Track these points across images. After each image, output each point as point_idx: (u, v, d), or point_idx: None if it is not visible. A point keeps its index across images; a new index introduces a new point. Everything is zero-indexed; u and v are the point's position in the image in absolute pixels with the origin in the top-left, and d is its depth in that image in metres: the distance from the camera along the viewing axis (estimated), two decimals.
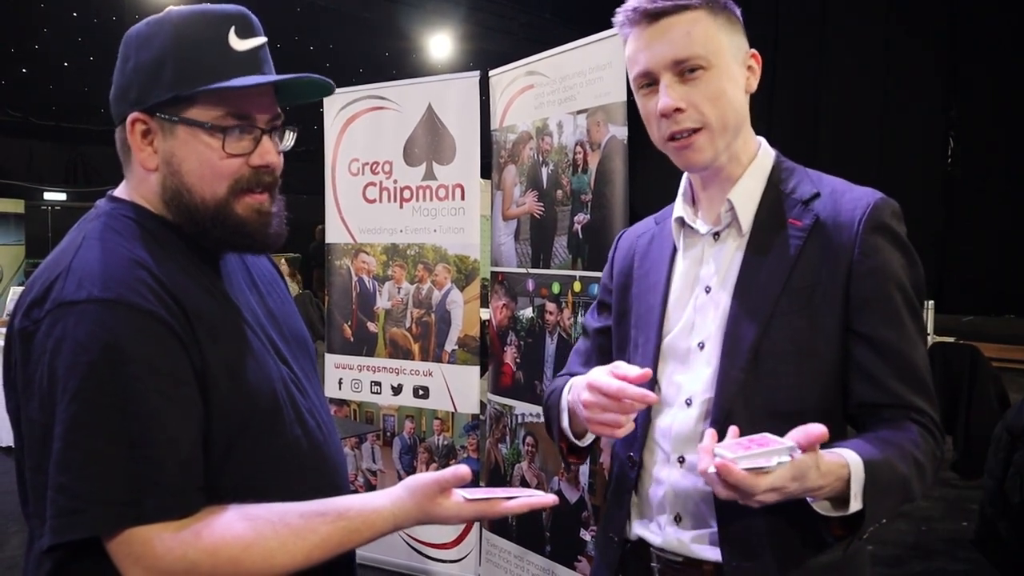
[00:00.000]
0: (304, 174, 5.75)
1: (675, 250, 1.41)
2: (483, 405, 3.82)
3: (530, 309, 3.40)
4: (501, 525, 3.54)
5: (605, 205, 3.03)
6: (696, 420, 1.30)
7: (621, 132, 2.95)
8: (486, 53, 12.13)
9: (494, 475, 3.58)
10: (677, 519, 1.32)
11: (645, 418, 1.38)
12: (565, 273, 3.21)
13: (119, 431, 1.03)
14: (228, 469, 1.13)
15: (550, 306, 3.29)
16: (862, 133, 12.19)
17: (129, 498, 1.02)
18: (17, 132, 13.38)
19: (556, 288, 3.26)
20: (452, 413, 3.77)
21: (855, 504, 1.10)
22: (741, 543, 1.24)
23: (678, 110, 1.25)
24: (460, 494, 1.18)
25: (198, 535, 1.05)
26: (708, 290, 1.33)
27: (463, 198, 3.72)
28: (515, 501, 1.19)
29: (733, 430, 1.12)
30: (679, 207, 1.40)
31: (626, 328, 1.46)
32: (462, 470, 1.18)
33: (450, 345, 3.77)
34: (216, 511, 1.09)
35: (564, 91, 3.21)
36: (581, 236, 3.14)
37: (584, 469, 3.11)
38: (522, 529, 3.44)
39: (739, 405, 1.24)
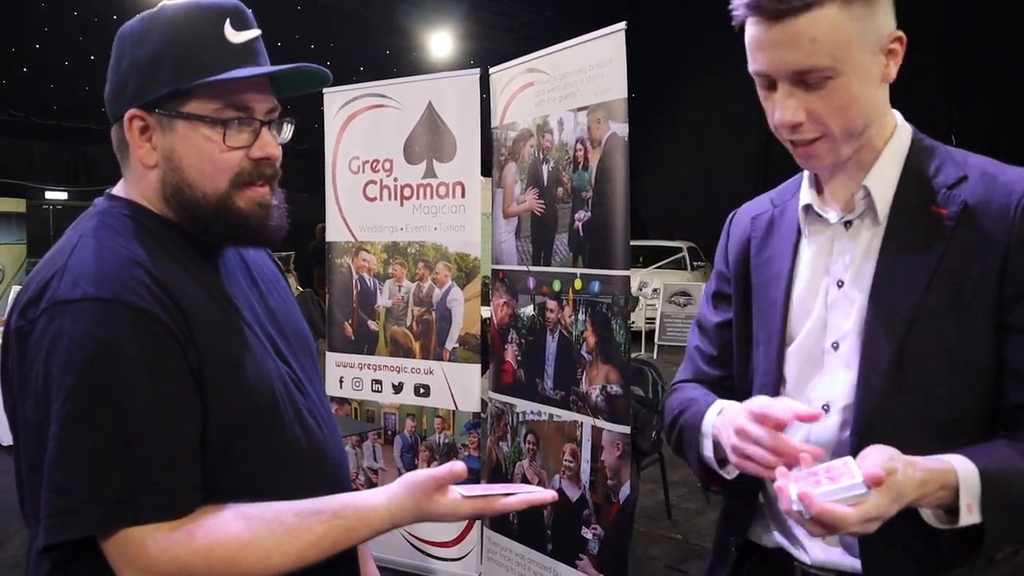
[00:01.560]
0: (304, 172, 5.74)
1: (799, 237, 1.30)
2: (484, 403, 3.82)
3: (531, 307, 3.40)
4: (503, 523, 3.54)
5: (606, 202, 3.02)
6: (836, 429, 1.20)
7: (622, 129, 2.95)
8: (486, 51, 12.12)
9: (495, 473, 3.58)
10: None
11: None
12: (566, 271, 3.21)
13: (114, 430, 1.02)
14: (226, 468, 1.13)
15: (551, 304, 3.28)
16: None
17: (124, 498, 1.02)
18: (18, 132, 13.39)
19: (557, 286, 3.26)
20: (453, 411, 3.77)
21: (968, 517, 1.02)
22: (882, 554, 1.16)
23: (797, 124, 1.14)
24: (458, 491, 1.17)
25: (192, 535, 1.04)
26: (840, 284, 1.23)
27: (464, 196, 3.71)
28: (513, 498, 1.18)
29: (805, 457, 1.04)
30: (805, 193, 1.29)
31: (747, 322, 1.36)
32: (457, 466, 1.16)
33: (451, 343, 3.77)
34: (210, 511, 1.08)
35: (564, 88, 3.20)
36: (582, 234, 3.13)
37: (586, 467, 3.10)
38: (524, 527, 3.44)
39: (882, 414, 1.14)
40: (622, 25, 2.92)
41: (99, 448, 1.01)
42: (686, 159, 15.74)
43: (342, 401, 4.07)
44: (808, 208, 1.28)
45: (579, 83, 3.13)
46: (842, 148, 1.17)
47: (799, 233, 1.31)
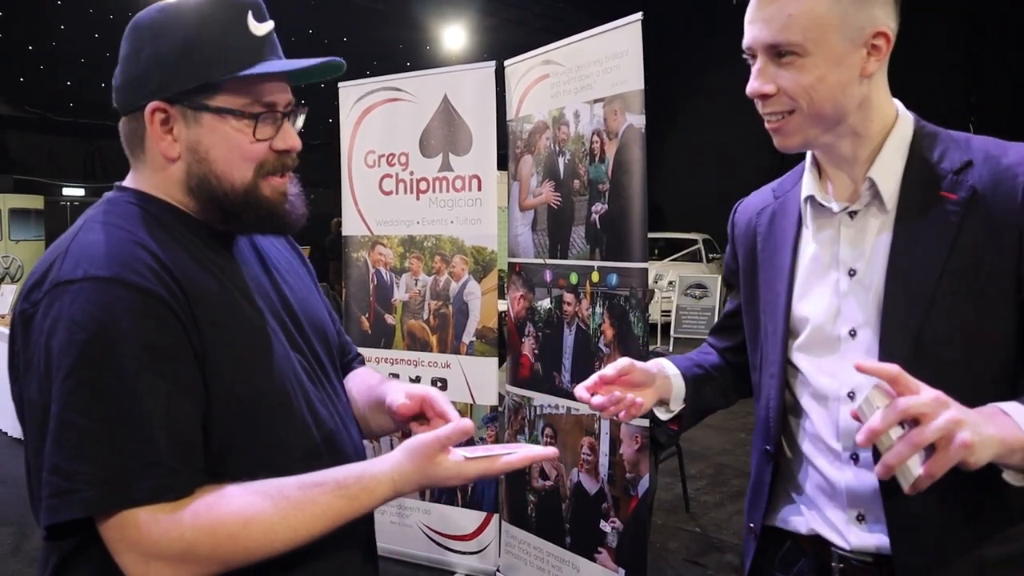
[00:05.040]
0: (318, 166, 5.75)
1: (799, 230, 1.34)
2: (501, 397, 3.82)
3: (548, 300, 3.39)
4: (521, 517, 3.54)
5: (623, 194, 3.00)
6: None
7: (639, 120, 2.93)
8: (501, 43, 12.09)
9: None
10: (860, 518, 1.25)
11: (779, 409, 1.34)
12: (583, 263, 3.19)
13: (113, 410, 1.01)
14: (231, 453, 1.12)
15: (568, 297, 3.27)
16: None
17: (122, 478, 1.00)
18: (36, 129, 13.52)
19: (574, 279, 3.25)
20: (470, 405, 3.76)
21: None
22: (914, 538, 1.18)
23: (766, 95, 1.20)
24: (459, 453, 1.16)
25: (196, 514, 1.03)
26: (852, 273, 1.25)
27: (480, 189, 3.70)
28: (514, 456, 1.16)
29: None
30: (808, 184, 1.31)
31: (756, 314, 1.41)
32: (464, 423, 1.15)
33: (468, 337, 3.77)
34: (212, 488, 1.06)
35: (580, 80, 3.19)
36: (599, 226, 3.12)
37: (604, 461, 3.10)
38: (542, 521, 3.44)
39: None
40: (638, 16, 2.90)
41: (97, 428, 1.00)
42: (702, 150, 15.66)
43: None
44: (810, 199, 1.30)
45: (595, 75, 3.11)
46: (809, 129, 1.21)
47: (799, 225, 1.33)
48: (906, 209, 1.20)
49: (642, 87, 2.93)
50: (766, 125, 1.24)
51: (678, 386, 1.47)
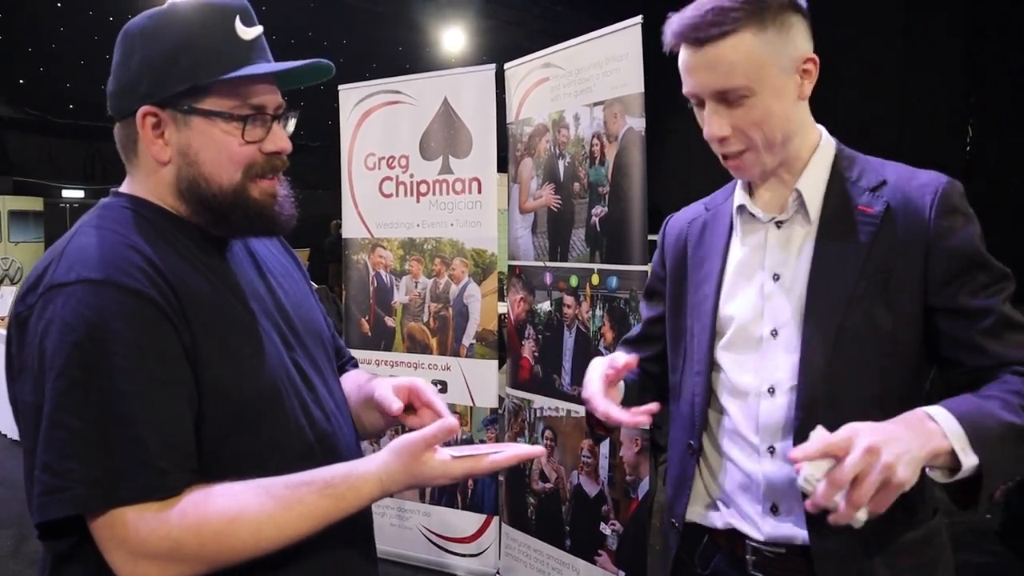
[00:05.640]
0: (317, 168, 5.75)
1: (729, 237, 1.43)
2: (501, 399, 3.82)
3: (548, 302, 3.39)
4: (521, 519, 3.54)
5: (623, 197, 3.01)
6: (784, 409, 1.30)
7: (639, 124, 2.93)
8: (500, 46, 12.10)
9: (512, 469, 3.58)
10: (774, 510, 1.32)
11: (704, 405, 1.41)
12: (583, 266, 3.20)
13: (102, 410, 1.02)
14: (225, 454, 1.12)
15: (568, 299, 3.28)
16: (880, 120, 12.08)
17: (111, 477, 1.01)
18: (36, 131, 13.52)
19: (574, 281, 3.25)
20: (470, 407, 3.77)
21: (968, 458, 1.07)
22: (829, 526, 1.19)
23: (724, 137, 1.28)
24: (446, 452, 1.16)
25: (183, 513, 1.04)
26: (777, 277, 1.34)
27: (480, 192, 3.71)
28: (501, 455, 1.17)
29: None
30: (740, 196, 1.41)
31: (681, 319, 1.48)
32: (448, 422, 1.16)
33: (468, 339, 3.77)
34: (200, 487, 1.07)
35: (580, 83, 3.19)
36: (599, 229, 3.12)
37: (604, 463, 3.10)
38: (542, 523, 3.44)
39: (824, 392, 1.26)
40: (638, 19, 2.90)
41: (87, 427, 1.01)
42: (702, 152, 15.60)
43: None
44: (742, 208, 1.40)
45: (595, 78, 3.11)
46: (765, 158, 1.30)
47: (730, 233, 1.43)
48: (828, 220, 1.31)
49: (642, 90, 2.93)
50: (724, 163, 1.34)
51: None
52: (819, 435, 1.05)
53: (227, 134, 1.17)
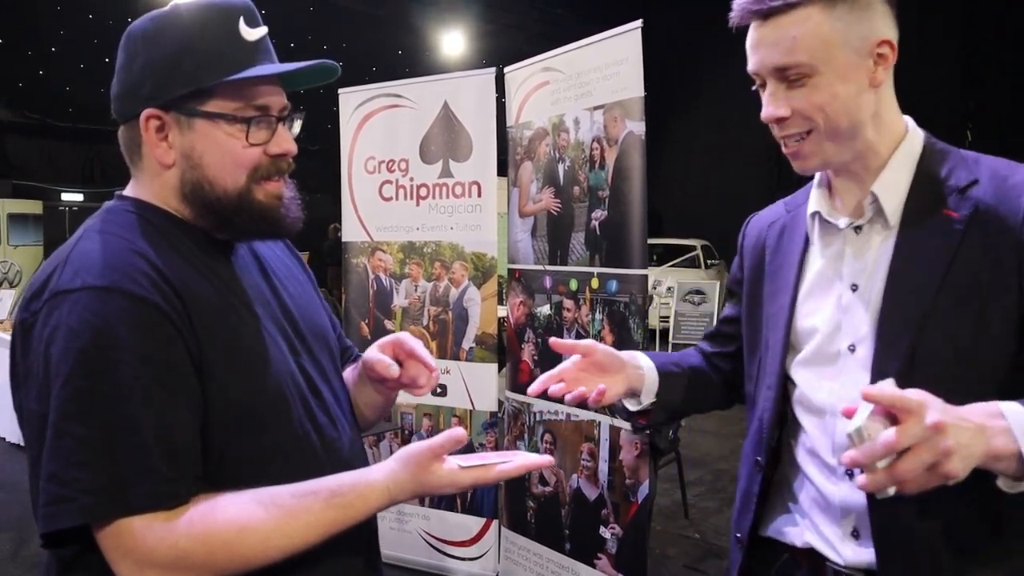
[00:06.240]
0: (317, 172, 5.76)
1: (807, 244, 1.34)
2: (501, 403, 3.82)
3: (547, 306, 3.39)
4: (521, 523, 3.54)
5: (623, 201, 3.01)
6: None
7: (639, 127, 2.93)
8: (500, 50, 12.12)
9: None
10: (855, 534, 1.24)
11: (772, 422, 1.34)
12: (582, 270, 3.20)
13: (108, 418, 1.01)
14: (230, 460, 1.12)
15: (568, 303, 3.28)
16: None
17: (118, 486, 1.00)
18: (35, 134, 13.52)
19: (574, 285, 3.25)
20: (470, 411, 3.77)
21: None
22: (901, 555, 1.17)
23: (781, 118, 1.20)
24: (454, 461, 1.15)
25: (191, 522, 1.03)
26: (855, 288, 1.24)
27: (480, 195, 3.71)
28: (509, 464, 1.16)
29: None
30: (815, 200, 1.32)
31: (757, 327, 1.41)
32: (456, 433, 1.15)
33: (468, 343, 3.77)
34: (207, 497, 1.07)
35: (580, 87, 3.19)
36: (599, 232, 3.12)
37: (603, 467, 3.10)
38: (542, 527, 3.43)
39: None
40: (638, 23, 2.91)
41: (94, 436, 1.00)
42: (701, 156, 15.67)
43: None
44: (816, 215, 1.31)
45: (595, 81, 3.12)
46: (828, 147, 1.21)
47: (807, 240, 1.34)
48: (908, 225, 1.20)
49: (642, 94, 2.94)
50: (784, 150, 1.24)
51: (651, 379, 1.47)
52: (890, 387, 0.95)
53: (231, 136, 1.16)
